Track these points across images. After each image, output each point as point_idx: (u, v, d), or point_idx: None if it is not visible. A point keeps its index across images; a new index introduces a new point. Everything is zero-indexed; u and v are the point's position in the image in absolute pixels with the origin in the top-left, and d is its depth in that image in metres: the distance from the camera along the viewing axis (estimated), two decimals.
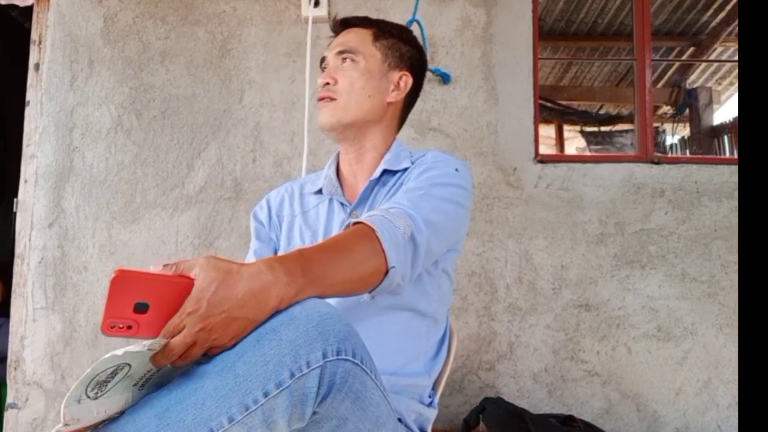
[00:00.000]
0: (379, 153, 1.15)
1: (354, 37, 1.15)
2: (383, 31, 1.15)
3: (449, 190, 1.02)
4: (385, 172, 1.11)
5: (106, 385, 0.65)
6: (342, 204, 1.13)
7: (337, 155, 1.21)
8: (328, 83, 1.11)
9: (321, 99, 1.12)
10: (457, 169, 1.06)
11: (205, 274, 0.67)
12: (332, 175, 1.17)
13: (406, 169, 1.10)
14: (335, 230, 1.10)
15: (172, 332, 0.66)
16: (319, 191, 1.18)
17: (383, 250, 0.84)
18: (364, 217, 0.89)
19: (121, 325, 0.65)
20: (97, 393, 0.64)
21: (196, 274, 0.67)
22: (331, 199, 1.16)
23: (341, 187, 1.16)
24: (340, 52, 1.13)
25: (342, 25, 1.19)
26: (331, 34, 1.22)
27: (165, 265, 0.68)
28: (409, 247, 0.89)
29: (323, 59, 1.17)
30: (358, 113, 1.11)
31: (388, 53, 1.14)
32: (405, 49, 1.16)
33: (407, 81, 1.15)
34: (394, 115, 1.17)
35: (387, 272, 0.84)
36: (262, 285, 0.68)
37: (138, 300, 0.65)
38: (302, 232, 1.16)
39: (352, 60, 1.12)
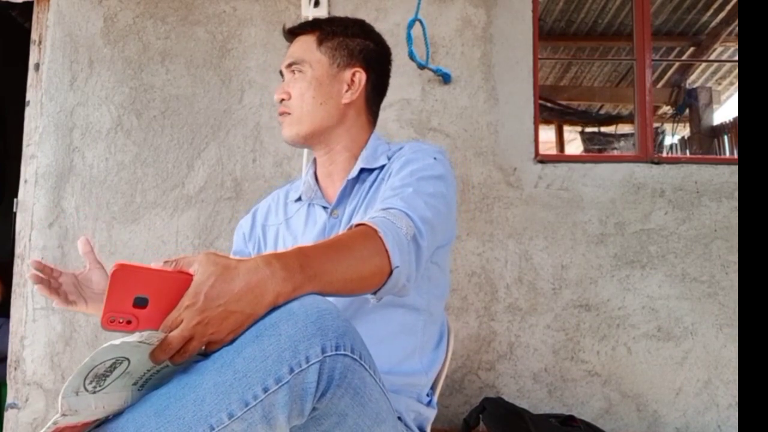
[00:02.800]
0: (352, 153, 1.15)
1: (299, 46, 1.15)
2: (327, 32, 1.14)
3: (434, 183, 1.02)
4: (362, 170, 1.12)
5: (105, 380, 0.65)
6: (324, 207, 1.14)
7: (315, 160, 1.22)
8: (283, 99, 1.13)
9: (280, 114, 1.15)
10: (435, 158, 1.07)
11: (204, 269, 0.67)
12: (310, 180, 1.18)
13: (383, 166, 1.11)
14: (317, 233, 1.11)
15: (170, 326, 0.67)
16: (299, 198, 1.19)
17: (386, 250, 0.84)
18: (366, 218, 0.89)
19: (121, 320, 0.65)
20: (95, 387, 0.64)
21: (195, 269, 0.68)
22: (311, 204, 1.17)
23: (320, 190, 1.17)
24: (289, 65, 1.14)
25: (289, 34, 1.19)
26: None
27: (165, 262, 0.69)
28: (412, 248, 0.89)
29: (281, 73, 1.18)
30: (314, 122, 1.12)
31: (335, 54, 1.13)
32: (354, 44, 1.15)
33: (360, 77, 1.14)
34: (358, 112, 1.16)
35: (391, 272, 0.84)
36: (259, 279, 0.69)
37: (137, 294, 0.65)
38: (285, 239, 1.17)
39: (300, 71, 1.13)
